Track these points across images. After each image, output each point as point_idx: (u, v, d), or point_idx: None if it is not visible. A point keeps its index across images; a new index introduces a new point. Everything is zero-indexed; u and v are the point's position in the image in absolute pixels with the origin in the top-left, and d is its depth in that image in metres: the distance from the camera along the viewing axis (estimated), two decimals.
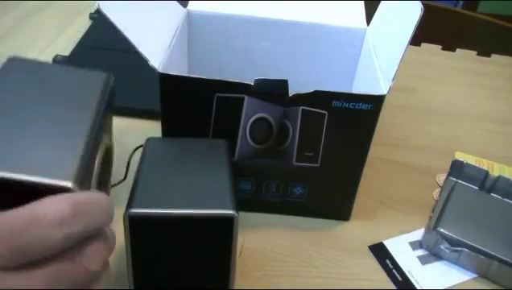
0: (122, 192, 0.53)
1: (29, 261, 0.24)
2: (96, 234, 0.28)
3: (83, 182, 0.32)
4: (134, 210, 0.36)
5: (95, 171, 0.38)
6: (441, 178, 0.63)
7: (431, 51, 0.93)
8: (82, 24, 0.87)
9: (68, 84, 0.39)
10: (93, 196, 0.29)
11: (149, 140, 0.46)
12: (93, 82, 0.41)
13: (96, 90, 0.40)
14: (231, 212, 0.37)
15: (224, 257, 0.39)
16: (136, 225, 0.36)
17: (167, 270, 0.39)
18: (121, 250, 0.50)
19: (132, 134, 0.63)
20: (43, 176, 0.29)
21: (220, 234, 0.38)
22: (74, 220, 0.25)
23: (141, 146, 0.46)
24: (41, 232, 0.24)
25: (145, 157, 0.43)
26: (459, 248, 0.51)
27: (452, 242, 0.52)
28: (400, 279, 0.51)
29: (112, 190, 0.53)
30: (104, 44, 0.77)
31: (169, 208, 0.37)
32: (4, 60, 0.45)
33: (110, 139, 0.46)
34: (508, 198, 0.57)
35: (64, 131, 0.35)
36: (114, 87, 0.43)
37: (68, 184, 0.29)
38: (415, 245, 0.54)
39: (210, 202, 0.38)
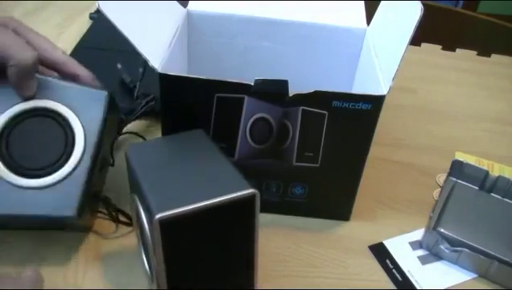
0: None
1: None
2: None
3: None
4: (161, 214, 0.36)
5: None
6: (441, 178, 0.63)
7: (431, 51, 0.93)
8: (82, 24, 0.87)
9: None
10: None
11: (129, 148, 0.45)
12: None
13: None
14: (251, 191, 0.38)
15: (248, 238, 0.40)
16: (167, 228, 0.36)
17: (197, 266, 0.40)
18: (119, 255, 0.50)
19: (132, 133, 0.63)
20: None
21: (243, 215, 0.39)
22: None
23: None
24: None
25: (135, 164, 0.42)
26: (459, 248, 0.51)
27: (452, 242, 0.52)
28: (400, 279, 0.51)
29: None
30: (104, 44, 0.77)
31: (193, 203, 0.37)
32: None
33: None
34: (508, 198, 0.57)
35: None
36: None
37: None
38: (415, 245, 0.54)
39: (227, 187, 0.38)
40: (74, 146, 0.45)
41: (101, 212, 0.52)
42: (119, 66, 0.70)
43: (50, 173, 0.44)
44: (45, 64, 0.48)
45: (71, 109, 0.46)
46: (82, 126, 0.46)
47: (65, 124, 0.46)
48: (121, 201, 0.53)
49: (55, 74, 0.49)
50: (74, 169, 0.44)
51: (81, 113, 0.46)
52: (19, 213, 0.43)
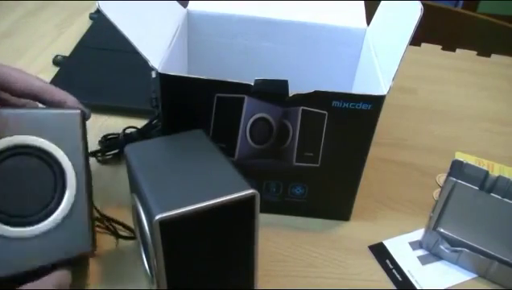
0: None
1: None
2: None
3: None
4: (161, 215, 0.36)
5: None
6: (441, 178, 0.63)
7: (431, 51, 0.93)
8: (82, 24, 0.87)
9: None
10: None
11: (128, 148, 0.44)
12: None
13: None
14: (252, 191, 0.38)
15: (248, 238, 0.40)
16: (167, 229, 0.36)
17: (197, 266, 0.40)
18: (115, 254, 0.50)
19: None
20: None
21: (243, 216, 0.39)
22: None
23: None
24: None
25: (135, 164, 0.42)
26: (459, 248, 0.51)
27: (452, 242, 0.52)
28: (400, 279, 0.51)
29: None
30: (104, 44, 0.78)
31: (192, 203, 0.36)
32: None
33: None
34: (508, 198, 0.57)
35: None
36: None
37: None
38: (415, 245, 0.54)
39: (227, 188, 0.38)
40: (64, 176, 0.42)
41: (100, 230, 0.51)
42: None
43: (49, 215, 0.40)
44: (27, 94, 0.44)
45: (42, 137, 0.42)
46: (66, 154, 0.42)
47: (44, 155, 0.41)
48: (121, 201, 0.53)
49: (37, 104, 0.45)
50: (74, 204, 0.41)
51: (58, 139, 0.42)
52: (30, 269, 0.39)
